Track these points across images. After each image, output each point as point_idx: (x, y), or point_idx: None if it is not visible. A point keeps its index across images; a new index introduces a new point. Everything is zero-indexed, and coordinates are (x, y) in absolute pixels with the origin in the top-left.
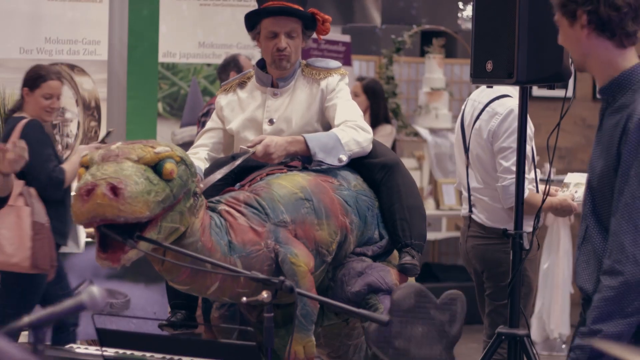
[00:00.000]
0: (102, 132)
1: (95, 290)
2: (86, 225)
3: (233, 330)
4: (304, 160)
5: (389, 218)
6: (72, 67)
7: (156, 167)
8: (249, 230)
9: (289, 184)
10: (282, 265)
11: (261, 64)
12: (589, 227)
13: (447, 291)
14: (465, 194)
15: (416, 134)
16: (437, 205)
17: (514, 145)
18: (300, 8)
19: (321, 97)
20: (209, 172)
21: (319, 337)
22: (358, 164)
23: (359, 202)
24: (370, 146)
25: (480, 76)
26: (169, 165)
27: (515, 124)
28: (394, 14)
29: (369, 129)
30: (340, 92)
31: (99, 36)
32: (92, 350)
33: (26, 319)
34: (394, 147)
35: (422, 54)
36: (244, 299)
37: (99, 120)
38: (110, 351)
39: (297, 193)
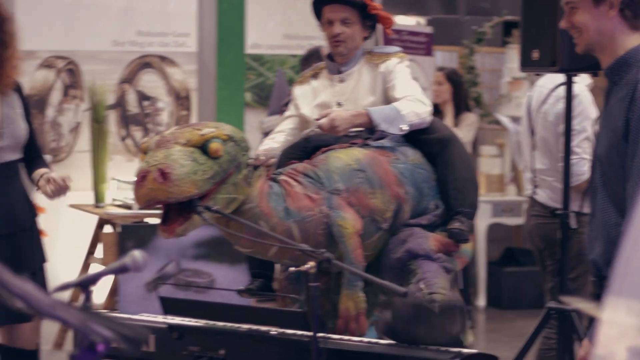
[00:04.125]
0: (193, 121)
1: (138, 254)
2: (145, 208)
3: (299, 291)
4: (368, 131)
5: (443, 188)
6: (163, 58)
7: (203, 147)
8: (305, 197)
9: (345, 157)
10: (332, 228)
11: (331, 56)
12: (599, 200)
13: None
14: (530, 175)
15: (497, 122)
16: (519, 191)
17: (578, 127)
18: None
19: (382, 80)
20: (284, 153)
21: (378, 296)
22: (417, 139)
23: (415, 175)
24: (429, 118)
25: (527, 65)
26: (214, 145)
27: (579, 108)
28: (477, 6)
29: (428, 102)
30: (399, 72)
31: (189, 29)
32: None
33: (75, 279)
34: (476, 135)
35: (504, 44)
36: (291, 269)
37: (189, 110)
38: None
39: (351, 164)
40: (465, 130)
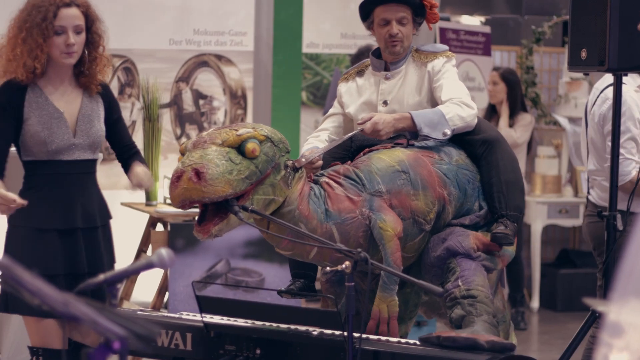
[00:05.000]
0: (249, 120)
1: (164, 251)
2: (181, 208)
3: (340, 295)
4: (411, 135)
5: (488, 190)
6: (219, 57)
7: (240, 147)
8: (345, 199)
9: (387, 158)
10: (373, 230)
11: (376, 53)
12: None
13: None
14: (586, 176)
15: (555, 122)
16: (576, 193)
17: (622, 127)
18: None
19: (429, 79)
20: (328, 152)
21: (440, 307)
22: (461, 140)
23: (459, 176)
24: (475, 121)
25: (575, 64)
26: (251, 145)
27: (623, 108)
28: (536, 5)
29: (474, 105)
30: (446, 72)
31: (245, 28)
32: (195, 316)
33: (101, 276)
34: (532, 136)
35: (563, 44)
36: (327, 268)
37: (245, 109)
38: (209, 317)
39: (394, 166)
40: (520, 130)
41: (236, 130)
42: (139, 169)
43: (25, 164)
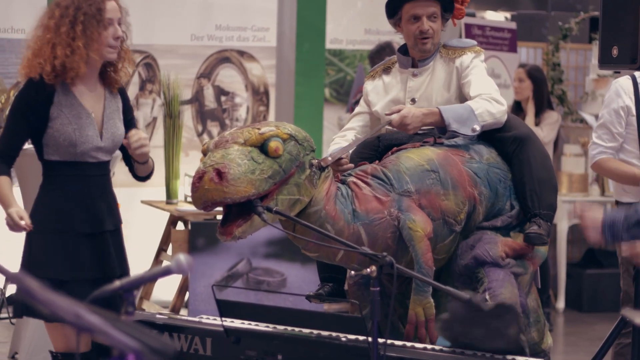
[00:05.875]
0: (271, 117)
1: (183, 257)
2: (203, 209)
3: (368, 298)
4: (439, 130)
5: (520, 189)
6: (242, 53)
7: (262, 146)
8: (373, 200)
9: (416, 157)
10: (402, 230)
11: (403, 50)
12: None
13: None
14: None
15: (582, 120)
16: (602, 192)
17: (603, 114)
18: None
19: (457, 75)
20: (355, 152)
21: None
22: (492, 137)
23: (490, 175)
24: (505, 117)
25: (606, 62)
26: (273, 144)
27: (609, 95)
28: (562, 1)
29: (503, 101)
30: (475, 68)
31: (268, 23)
32: (215, 320)
33: (117, 283)
34: (558, 134)
35: (590, 40)
36: (352, 272)
37: (267, 105)
38: (229, 322)
39: (423, 165)
40: (547, 128)
41: (259, 128)
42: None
43: (47, 163)
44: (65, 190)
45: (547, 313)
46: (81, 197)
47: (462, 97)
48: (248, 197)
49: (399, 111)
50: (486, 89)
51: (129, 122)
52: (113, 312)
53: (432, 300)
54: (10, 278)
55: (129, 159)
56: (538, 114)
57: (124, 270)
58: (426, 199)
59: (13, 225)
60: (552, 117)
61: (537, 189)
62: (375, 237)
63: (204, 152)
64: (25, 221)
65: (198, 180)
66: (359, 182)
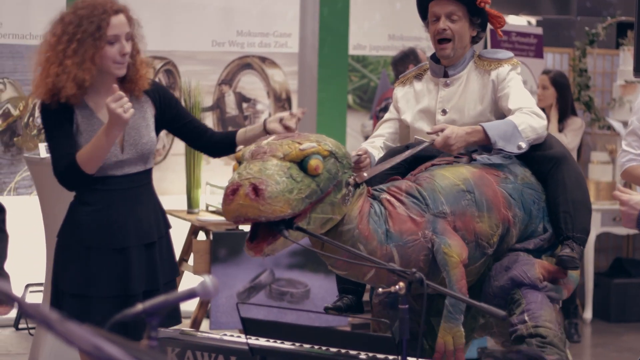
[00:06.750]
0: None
1: (208, 280)
2: (234, 223)
3: (393, 318)
4: (482, 148)
5: (553, 211)
6: (263, 59)
7: (302, 163)
8: (408, 220)
9: (452, 175)
10: (436, 254)
11: (435, 57)
12: None
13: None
14: None
15: (609, 127)
16: None
17: (633, 121)
18: None
19: (493, 88)
20: (382, 160)
21: (492, 327)
22: (526, 155)
23: (524, 196)
24: (546, 133)
25: None
26: (314, 162)
27: (639, 102)
28: (585, 5)
29: (543, 115)
30: (512, 81)
31: (290, 29)
32: (239, 338)
33: (139, 306)
34: (583, 140)
35: (618, 45)
36: (380, 289)
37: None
38: (254, 340)
39: (459, 185)
40: (571, 135)
41: (299, 143)
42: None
43: None
44: (90, 205)
45: (575, 324)
46: (108, 213)
47: (496, 111)
48: (283, 217)
49: (441, 130)
50: (526, 103)
51: (179, 115)
52: (135, 338)
53: (462, 329)
54: (26, 311)
55: (229, 141)
56: (561, 120)
57: (154, 285)
58: (461, 221)
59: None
60: (576, 123)
61: (572, 210)
62: (408, 259)
63: (238, 160)
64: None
65: (232, 192)
66: (393, 200)
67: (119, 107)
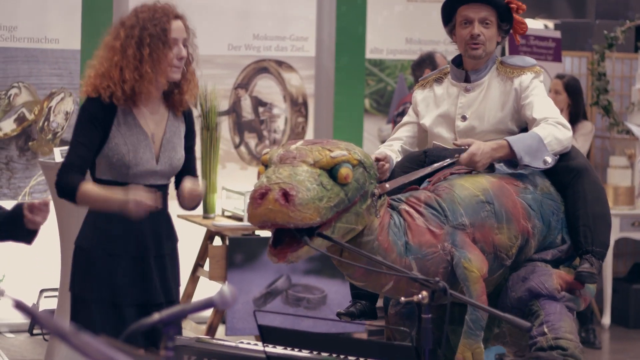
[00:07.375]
0: (310, 128)
1: (227, 289)
2: (259, 228)
3: (410, 328)
4: (507, 163)
5: (573, 223)
6: (280, 63)
7: (331, 171)
8: (427, 232)
9: (471, 186)
10: (456, 268)
11: (457, 61)
12: None
13: None
14: None
15: (628, 131)
16: None
17: None
18: None
19: (515, 96)
20: (399, 165)
21: (505, 336)
22: None
23: (544, 206)
24: (571, 144)
25: None
26: (344, 170)
27: None
28: (609, 9)
29: (569, 125)
30: (535, 89)
31: (307, 33)
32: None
33: (156, 316)
34: (591, 146)
35: (637, 49)
36: (402, 299)
37: (306, 116)
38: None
39: (478, 195)
40: (581, 139)
41: (330, 150)
42: (186, 181)
43: (97, 181)
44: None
45: (593, 330)
46: (128, 220)
47: (517, 118)
48: (311, 225)
49: (467, 145)
50: (551, 112)
51: (189, 149)
52: (152, 348)
53: (482, 345)
54: (42, 323)
55: (178, 185)
56: (572, 124)
57: (169, 297)
58: (480, 233)
59: (140, 208)
60: (587, 128)
61: (591, 224)
62: (427, 272)
63: (265, 163)
64: (151, 197)
65: (260, 196)
66: (412, 211)
67: (144, 210)
